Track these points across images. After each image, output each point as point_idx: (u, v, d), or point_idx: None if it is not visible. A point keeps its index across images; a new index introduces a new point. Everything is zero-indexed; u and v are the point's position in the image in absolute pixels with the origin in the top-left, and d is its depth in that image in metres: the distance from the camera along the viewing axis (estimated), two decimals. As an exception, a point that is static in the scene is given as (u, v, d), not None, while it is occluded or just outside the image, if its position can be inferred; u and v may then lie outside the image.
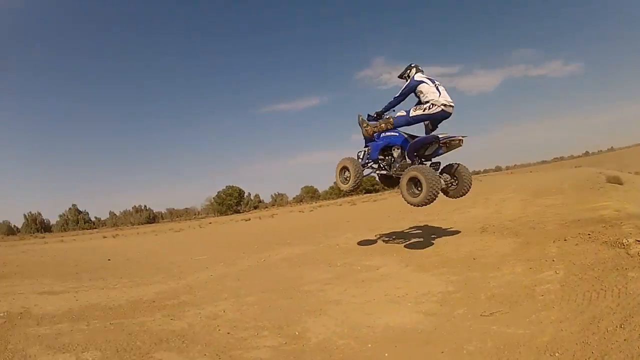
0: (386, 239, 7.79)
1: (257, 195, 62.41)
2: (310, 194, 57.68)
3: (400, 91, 6.27)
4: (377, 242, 7.79)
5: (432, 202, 5.61)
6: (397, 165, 6.32)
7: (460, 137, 5.96)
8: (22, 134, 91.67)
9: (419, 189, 5.43)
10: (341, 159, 6.99)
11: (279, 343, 3.51)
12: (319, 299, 4.68)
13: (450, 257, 5.35)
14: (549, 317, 3.14)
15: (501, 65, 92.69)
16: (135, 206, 64.42)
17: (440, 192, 5.74)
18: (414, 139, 6.10)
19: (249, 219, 29.93)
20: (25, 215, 61.58)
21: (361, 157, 6.87)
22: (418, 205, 5.75)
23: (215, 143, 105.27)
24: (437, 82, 6.13)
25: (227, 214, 50.02)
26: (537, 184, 16.08)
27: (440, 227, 7.90)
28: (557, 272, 4.05)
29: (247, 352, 3.49)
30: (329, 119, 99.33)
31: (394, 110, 6.55)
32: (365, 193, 52.39)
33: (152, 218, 59.97)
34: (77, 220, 62.34)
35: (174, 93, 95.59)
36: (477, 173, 57.11)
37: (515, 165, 70.92)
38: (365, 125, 6.93)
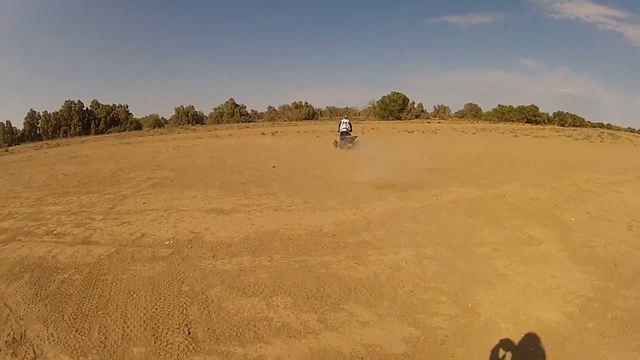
0: (547, 201, 8.19)
1: (420, 105, 61.45)
2: (472, 112, 56.96)
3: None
4: (540, 201, 8.15)
5: (341, 148, 17.89)
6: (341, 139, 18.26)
7: (351, 135, 18.54)
8: (184, 31, 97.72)
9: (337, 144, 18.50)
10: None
11: (454, 313, 3.95)
12: (488, 268, 5.02)
13: (599, 254, 5.55)
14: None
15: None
16: (295, 102, 65.06)
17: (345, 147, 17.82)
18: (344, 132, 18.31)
19: (412, 131, 30.63)
20: (176, 108, 66.06)
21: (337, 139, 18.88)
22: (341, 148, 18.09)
23: (381, 47, 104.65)
24: (344, 121, 18.71)
25: (389, 120, 51.46)
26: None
27: (595, 206, 7.88)
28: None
29: (428, 318, 3.87)
30: (501, 38, 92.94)
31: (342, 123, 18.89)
32: (526, 122, 52.33)
33: (312, 115, 60.82)
34: (233, 113, 65.25)
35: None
36: (632, 131, 49.72)
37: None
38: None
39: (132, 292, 4.53)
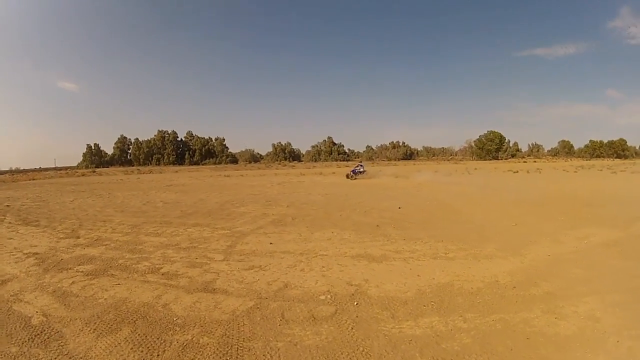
0: None
1: (515, 144, 64.85)
2: (565, 150, 59.96)
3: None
4: None
5: (351, 179, 28.90)
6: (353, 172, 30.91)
7: (363, 171, 31.48)
8: (279, 68, 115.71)
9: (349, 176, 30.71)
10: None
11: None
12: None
13: None
14: None
15: None
16: (392, 142, 70.35)
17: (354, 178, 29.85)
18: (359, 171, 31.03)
19: (517, 171, 32.24)
20: (273, 145, 72.95)
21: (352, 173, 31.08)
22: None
23: (470, 83, 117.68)
24: (360, 164, 31.23)
25: (486, 159, 54.24)
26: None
27: None
28: None
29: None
30: (585, 69, 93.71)
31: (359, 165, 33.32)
32: (615, 157, 53.78)
33: (409, 155, 64.96)
34: (331, 152, 69.75)
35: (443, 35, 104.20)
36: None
37: None
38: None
39: (298, 371, 3.40)
